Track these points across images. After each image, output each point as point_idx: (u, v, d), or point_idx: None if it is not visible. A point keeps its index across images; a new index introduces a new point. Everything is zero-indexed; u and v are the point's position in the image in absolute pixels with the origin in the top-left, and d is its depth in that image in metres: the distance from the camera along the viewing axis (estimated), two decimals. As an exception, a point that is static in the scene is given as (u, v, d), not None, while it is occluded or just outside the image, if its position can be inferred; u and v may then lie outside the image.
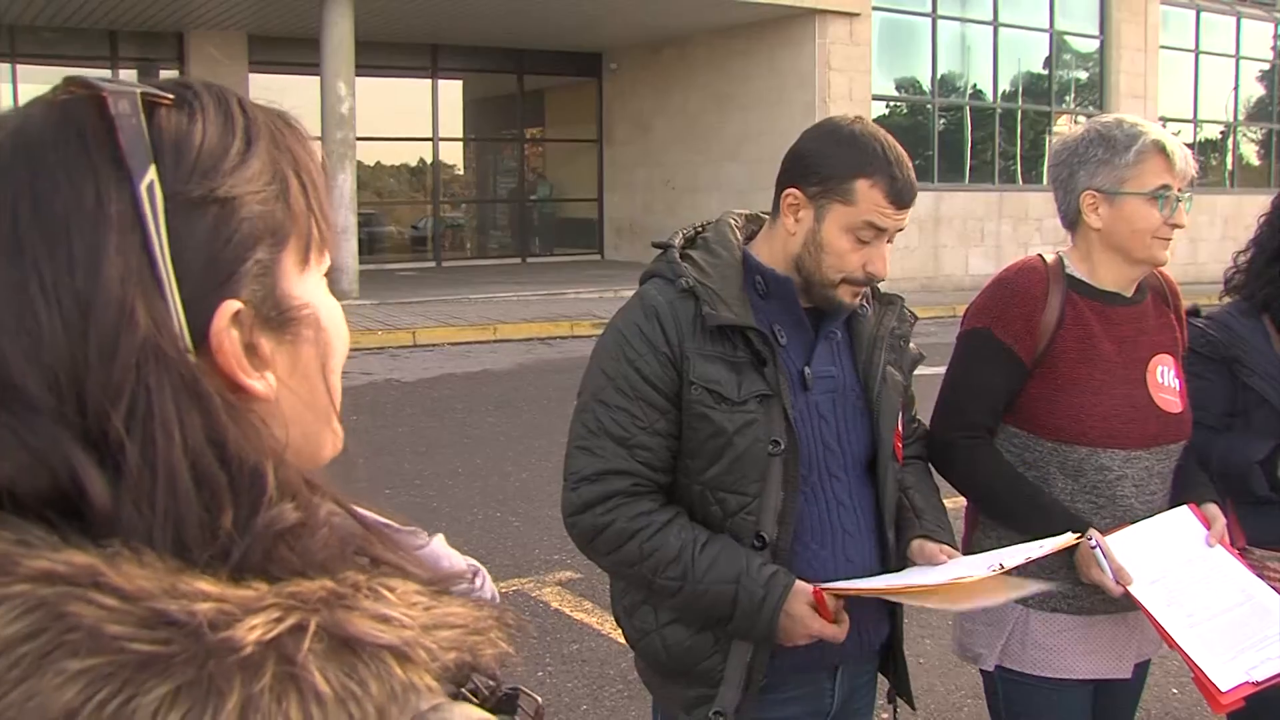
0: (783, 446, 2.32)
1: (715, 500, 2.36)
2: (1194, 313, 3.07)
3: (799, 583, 2.28)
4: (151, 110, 0.80)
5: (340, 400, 0.93)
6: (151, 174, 0.78)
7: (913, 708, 2.71)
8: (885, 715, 2.69)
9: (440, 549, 0.99)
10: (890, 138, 2.36)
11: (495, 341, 15.08)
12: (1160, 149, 2.65)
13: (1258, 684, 2.53)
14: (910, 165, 2.35)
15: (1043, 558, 2.39)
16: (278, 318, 0.84)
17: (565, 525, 2.44)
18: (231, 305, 0.80)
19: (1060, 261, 2.78)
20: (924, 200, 21.96)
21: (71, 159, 0.77)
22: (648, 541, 2.31)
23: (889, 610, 2.52)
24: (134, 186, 0.77)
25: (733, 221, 2.52)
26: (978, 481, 2.71)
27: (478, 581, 1.03)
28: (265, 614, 0.69)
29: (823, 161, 2.33)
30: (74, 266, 0.75)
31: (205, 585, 0.70)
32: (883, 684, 2.69)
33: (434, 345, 14.63)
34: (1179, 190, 2.66)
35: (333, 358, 0.90)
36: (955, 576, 2.26)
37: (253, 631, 0.68)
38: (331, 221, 0.91)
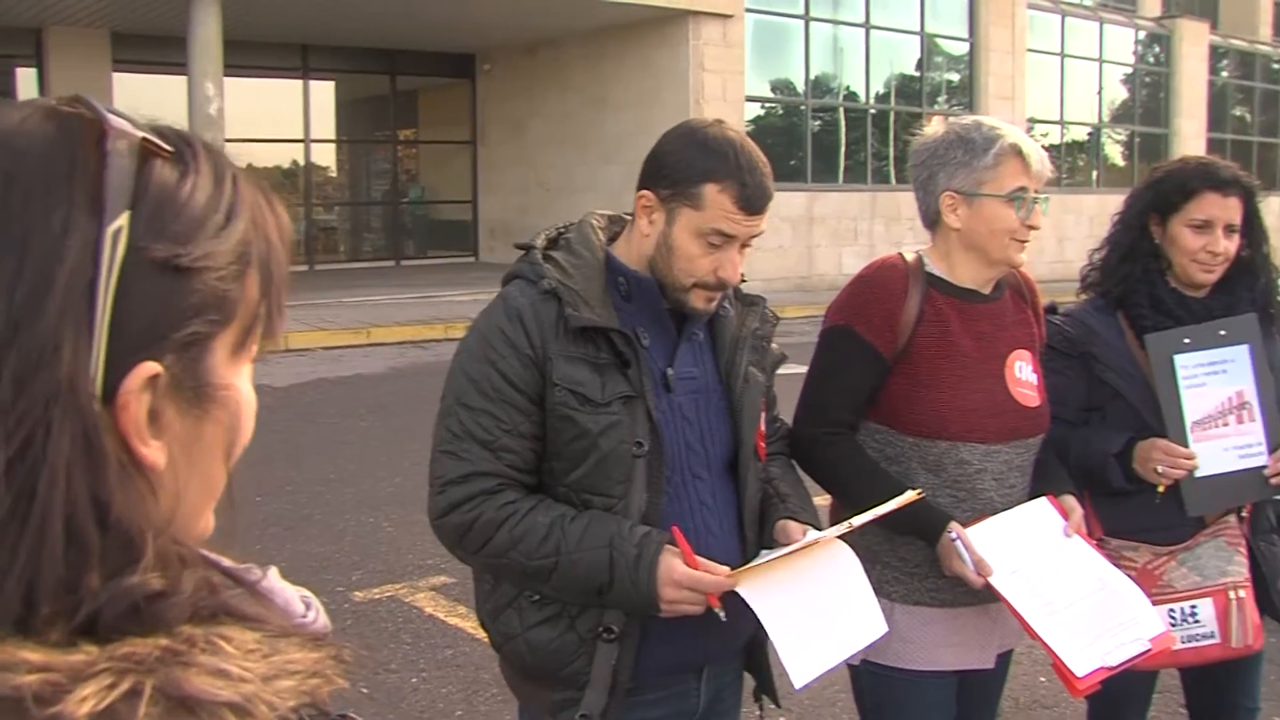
0: (646, 448, 2.31)
1: (580, 502, 2.35)
2: (1051, 310, 3.12)
3: (670, 546, 2.27)
4: (147, 157, 0.78)
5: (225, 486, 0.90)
6: (122, 220, 0.75)
7: (778, 705, 2.72)
8: (760, 713, 2.68)
9: (275, 584, 0.94)
10: (748, 143, 2.35)
11: (369, 345, 14.95)
12: (1017, 152, 2.69)
13: (1112, 668, 2.59)
14: (766, 171, 2.34)
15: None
16: (194, 392, 0.81)
17: (433, 529, 2.42)
18: (150, 368, 0.76)
19: (920, 260, 2.81)
20: (798, 200, 22.19)
21: (53, 178, 0.75)
22: (516, 526, 2.29)
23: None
24: (101, 228, 0.74)
25: (595, 222, 2.51)
26: (839, 476, 2.72)
27: (310, 615, 0.98)
28: (96, 681, 0.65)
29: (675, 164, 2.32)
30: (17, 284, 0.72)
31: (30, 654, 0.66)
32: (749, 682, 2.69)
33: (306, 350, 14.42)
34: (1035, 192, 2.69)
35: (237, 446, 0.88)
36: (809, 540, 2.30)
37: (84, 704, 0.64)
38: (283, 313, 0.89)
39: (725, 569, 2.26)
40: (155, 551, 0.74)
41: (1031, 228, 2.70)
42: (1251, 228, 3.08)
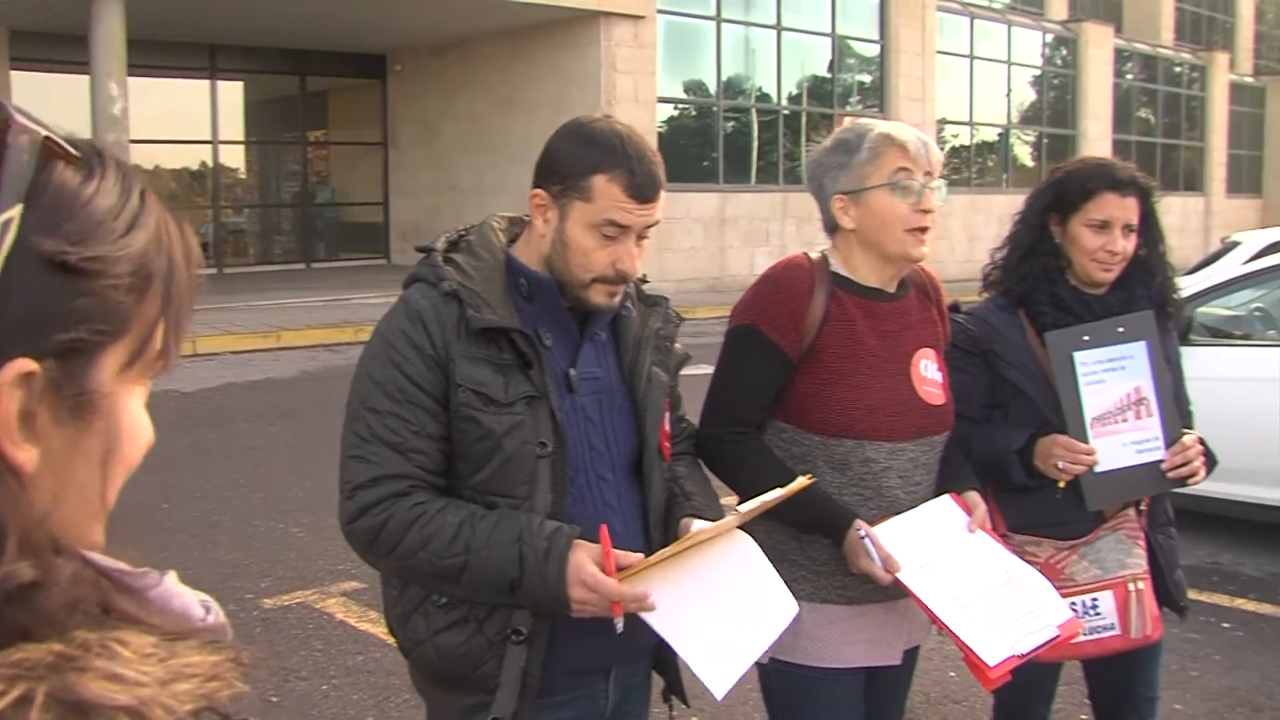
0: (550, 449, 2.31)
1: (486, 504, 2.34)
2: (955, 308, 3.15)
3: (582, 541, 2.26)
4: (50, 157, 0.77)
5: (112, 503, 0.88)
6: (14, 212, 0.74)
7: (687, 705, 2.72)
8: (675, 714, 2.68)
9: (173, 588, 0.93)
10: (635, 133, 2.36)
11: (278, 349, 14.82)
12: (889, 139, 2.70)
13: (1023, 655, 2.63)
14: (655, 160, 2.35)
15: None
16: (74, 401, 0.79)
17: (344, 534, 2.40)
18: (26, 364, 0.75)
19: (825, 259, 2.82)
20: (710, 201, 22.29)
21: None
22: (426, 526, 2.28)
23: None
24: None
25: (496, 224, 2.51)
26: (745, 475, 2.72)
27: (210, 618, 0.97)
28: None
29: (563, 160, 2.33)
30: None
31: None
32: (658, 683, 2.69)
33: (215, 354, 14.27)
34: (924, 177, 2.70)
35: (117, 461, 0.86)
36: (698, 531, 2.31)
37: None
38: (181, 338, 0.88)
39: (638, 556, 2.26)
40: (25, 543, 0.73)
41: (924, 212, 2.70)
42: (1148, 227, 3.14)
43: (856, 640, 2.80)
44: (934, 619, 2.64)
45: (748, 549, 2.47)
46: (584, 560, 2.22)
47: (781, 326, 2.72)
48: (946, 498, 2.81)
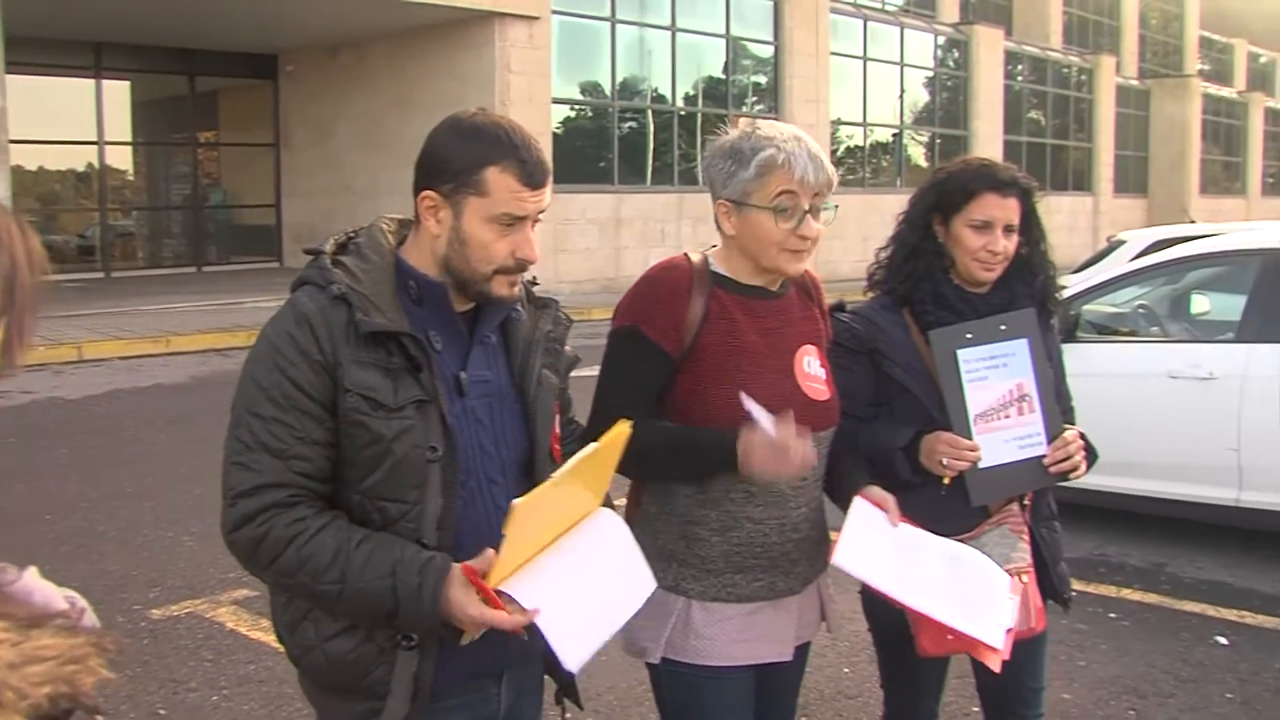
0: (440, 452, 2.29)
1: (375, 509, 2.32)
2: (839, 308, 3.18)
3: (458, 568, 2.23)
4: None
5: None
6: None
7: (580, 707, 2.71)
8: (570, 715, 2.67)
9: (33, 583, 0.91)
10: (515, 123, 2.36)
11: (168, 354, 14.59)
12: (776, 164, 2.68)
13: (1010, 630, 2.74)
14: (539, 146, 2.35)
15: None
16: None
17: (226, 543, 2.36)
18: None
19: (705, 260, 2.84)
20: (605, 202, 22.32)
21: None
22: (303, 548, 2.24)
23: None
24: None
25: (385, 226, 2.48)
26: (636, 450, 2.69)
27: (77, 614, 0.95)
28: None
29: (451, 157, 2.31)
30: None
31: None
32: (551, 685, 2.68)
33: (102, 360, 14.02)
34: (813, 199, 2.71)
35: None
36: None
37: None
38: (26, 338, 0.85)
39: (521, 616, 2.22)
40: None
41: (803, 238, 2.71)
42: (1030, 226, 3.18)
43: (747, 638, 2.80)
44: (934, 624, 2.71)
45: (611, 526, 2.45)
46: (461, 598, 2.20)
47: (661, 327, 2.72)
48: (858, 499, 2.83)
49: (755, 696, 2.90)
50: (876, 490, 2.87)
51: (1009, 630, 2.72)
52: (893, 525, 2.82)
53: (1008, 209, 3.10)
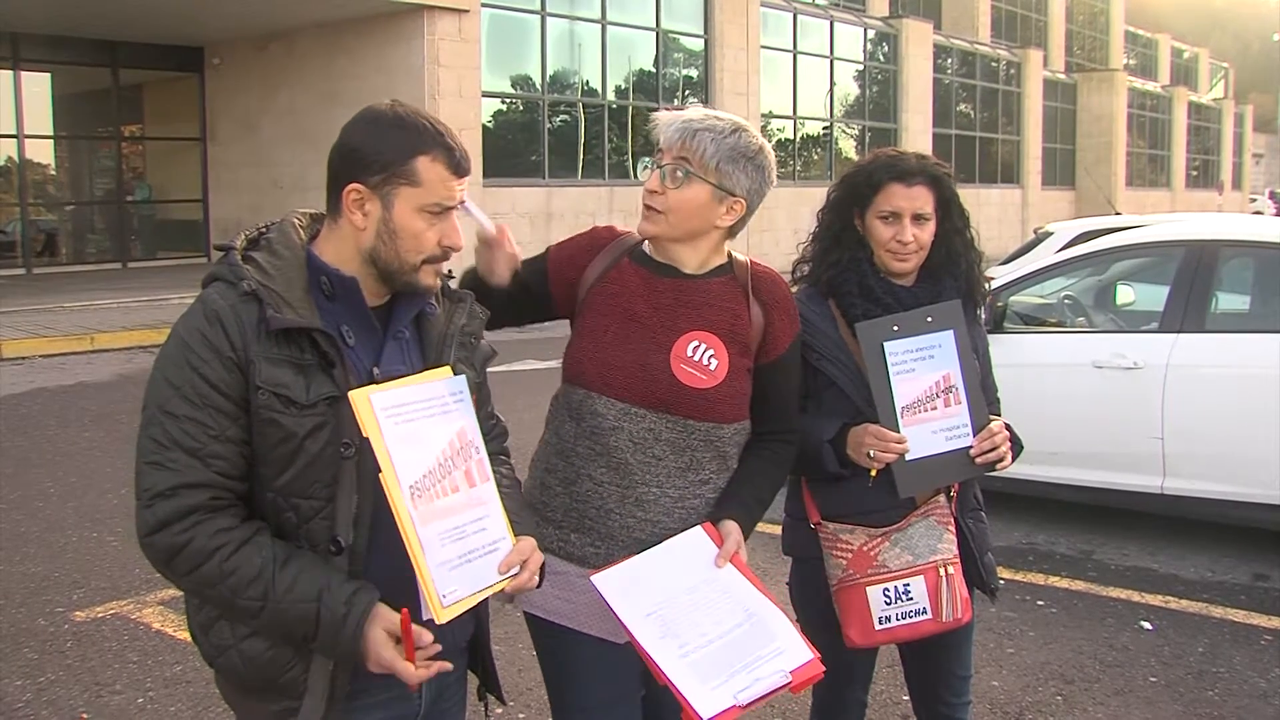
0: (354, 449, 2.26)
1: (289, 507, 2.28)
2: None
3: (382, 606, 2.23)
4: None
5: None
6: None
7: (503, 702, 2.70)
8: (500, 710, 2.64)
9: None
10: (431, 113, 2.37)
11: (92, 352, 14.38)
12: (656, 125, 2.86)
13: (744, 706, 2.55)
14: (455, 133, 2.38)
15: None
16: None
17: (141, 545, 2.29)
18: None
19: (635, 237, 2.92)
20: (536, 196, 22.26)
21: None
22: (227, 561, 2.21)
23: (473, 609, 2.48)
24: None
25: (296, 221, 2.44)
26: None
27: None
28: None
29: (378, 149, 2.29)
30: None
31: None
32: (473, 681, 2.66)
33: (23, 358, 13.81)
34: (672, 160, 2.77)
35: None
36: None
37: None
38: None
39: (430, 637, 2.23)
40: None
41: (650, 191, 2.81)
42: (949, 214, 3.19)
43: (573, 603, 2.82)
44: (654, 668, 2.56)
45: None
46: (379, 638, 2.20)
47: (565, 250, 2.96)
48: (698, 529, 2.78)
49: (645, 686, 2.88)
50: (729, 525, 2.81)
51: (740, 707, 2.53)
52: (716, 567, 2.75)
53: (914, 198, 3.11)
